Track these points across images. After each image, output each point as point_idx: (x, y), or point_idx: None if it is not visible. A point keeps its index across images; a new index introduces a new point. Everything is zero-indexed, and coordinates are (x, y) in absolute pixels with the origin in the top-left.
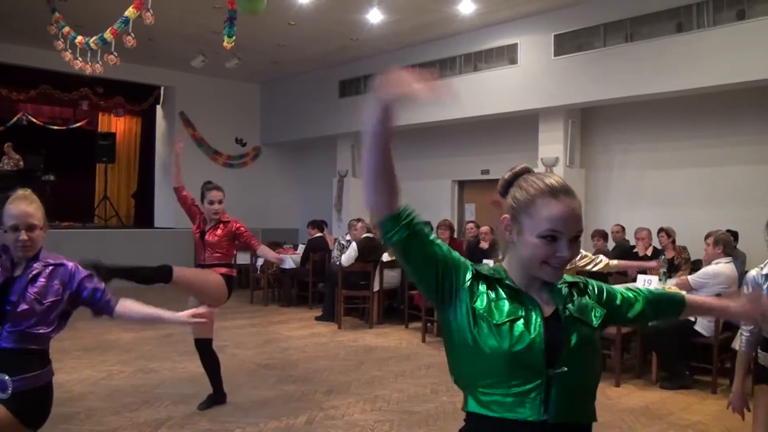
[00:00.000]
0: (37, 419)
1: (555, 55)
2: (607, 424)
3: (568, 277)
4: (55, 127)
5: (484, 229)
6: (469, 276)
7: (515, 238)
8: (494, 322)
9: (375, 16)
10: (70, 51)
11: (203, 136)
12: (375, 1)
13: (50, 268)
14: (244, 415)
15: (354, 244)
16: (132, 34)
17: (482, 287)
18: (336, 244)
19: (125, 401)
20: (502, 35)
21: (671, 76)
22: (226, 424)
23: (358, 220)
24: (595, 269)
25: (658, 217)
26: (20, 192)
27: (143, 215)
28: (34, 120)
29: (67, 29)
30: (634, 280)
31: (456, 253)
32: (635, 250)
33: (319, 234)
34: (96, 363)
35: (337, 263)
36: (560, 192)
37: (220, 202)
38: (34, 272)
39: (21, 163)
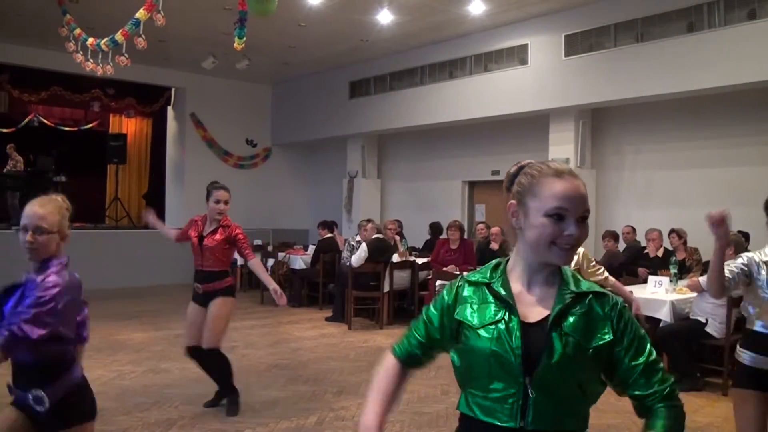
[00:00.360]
0: (87, 410)
1: (566, 56)
2: (616, 425)
3: (586, 284)
4: (67, 128)
5: (495, 230)
6: (451, 300)
7: (522, 221)
8: (475, 324)
9: (385, 17)
10: (81, 53)
11: (214, 137)
12: (385, 2)
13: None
14: (254, 415)
15: (364, 245)
16: (143, 36)
17: (468, 294)
18: (346, 244)
19: (136, 401)
20: (513, 36)
21: (682, 76)
22: (237, 425)
23: (368, 220)
24: (593, 279)
25: (669, 218)
26: (46, 195)
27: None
28: (46, 121)
29: (78, 31)
30: (645, 281)
31: (438, 306)
32: (646, 251)
33: (330, 235)
34: (107, 363)
35: (348, 264)
36: (564, 172)
37: (226, 202)
38: (27, 287)
39: (21, 165)
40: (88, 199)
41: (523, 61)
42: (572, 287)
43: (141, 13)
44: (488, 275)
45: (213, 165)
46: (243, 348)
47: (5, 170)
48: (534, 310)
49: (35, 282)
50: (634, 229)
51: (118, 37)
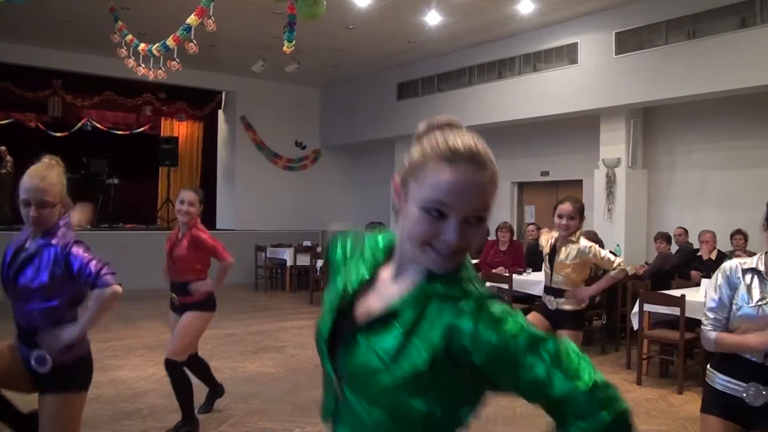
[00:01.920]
0: (84, 381)
1: (616, 54)
2: (669, 431)
3: (461, 286)
4: (119, 132)
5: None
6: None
7: (399, 204)
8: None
9: (433, 18)
10: (133, 58)
11: (264, 139)
12: (433, 3)
13: (46, 248)
14: (303, 414)
15: None
16: (194, 41)
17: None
18: None
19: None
20: (562, 34)
21: (735, 73)
22: (286, 424)
23: None
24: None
25: (723, 220)
26: (43, 162)
27: (205, 217)
28: (98, 125)
29: (130, 37)
30: (698, 284)
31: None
32: (699, 253)
33: None
34: (158, 361)
35: None
36: (462, 158)
37: (191, 203)
38: (30, 252)
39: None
40: (139, 200)
41: (573, 60)
42: (428, 286)
43: (192, 19)
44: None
45: (263, 167)
46: (292, 348)
47: None
48: (377, 306)
49: (57, 248)
50: (686, 231)
51: (170, 42)
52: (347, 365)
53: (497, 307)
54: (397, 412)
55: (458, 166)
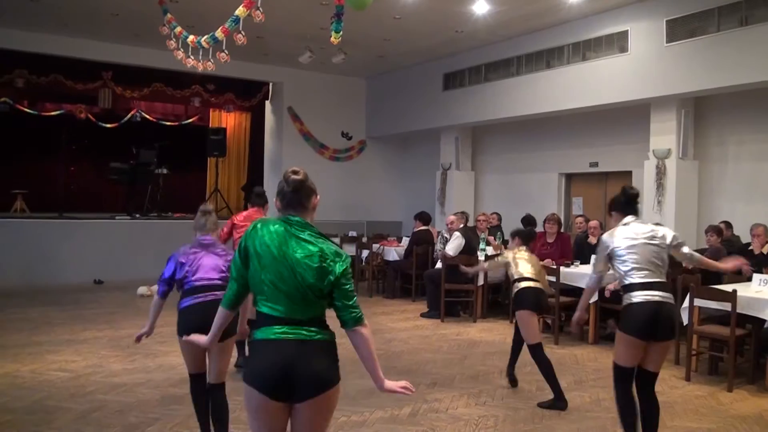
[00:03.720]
0: None
1: (667, 42)
2: (717, 430)
3: None
4: (168, 123)
5: (593, 223)
6: None
7: None
8: None
9: (481, 7)
10: (182, 50)
11: (310, 130)
12: None
13: None
14: (350, 403)
15: (458, 233)
16: (242, 32)
17: None
18: (439, 237)
19: (236, 385)
20: (612, 22)
21: None
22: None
23: (462, 212)
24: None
25: None
26: None
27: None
28: (148, 116)
29: (179, 29)
30: (750, 279)
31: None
32: (750, 247)
33: (424, 227)
34: None
35: (439, 257)
36: None
37: None
38: None
39: None
40: (188, 190)
41: (623, 49)
42: None
43: (240, 11)
44: None
45: (309, 158)
46: (338, 338)
47: None
48: None
49: None
50: (728, 225)
51: (218, 34)
52: None
53: None
54: None
55: None
